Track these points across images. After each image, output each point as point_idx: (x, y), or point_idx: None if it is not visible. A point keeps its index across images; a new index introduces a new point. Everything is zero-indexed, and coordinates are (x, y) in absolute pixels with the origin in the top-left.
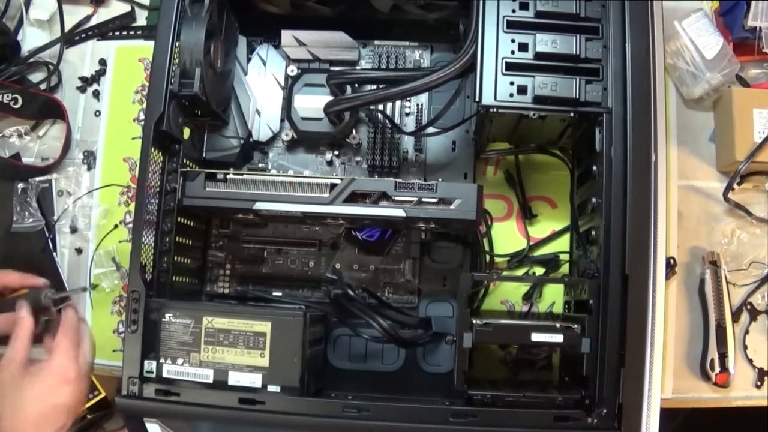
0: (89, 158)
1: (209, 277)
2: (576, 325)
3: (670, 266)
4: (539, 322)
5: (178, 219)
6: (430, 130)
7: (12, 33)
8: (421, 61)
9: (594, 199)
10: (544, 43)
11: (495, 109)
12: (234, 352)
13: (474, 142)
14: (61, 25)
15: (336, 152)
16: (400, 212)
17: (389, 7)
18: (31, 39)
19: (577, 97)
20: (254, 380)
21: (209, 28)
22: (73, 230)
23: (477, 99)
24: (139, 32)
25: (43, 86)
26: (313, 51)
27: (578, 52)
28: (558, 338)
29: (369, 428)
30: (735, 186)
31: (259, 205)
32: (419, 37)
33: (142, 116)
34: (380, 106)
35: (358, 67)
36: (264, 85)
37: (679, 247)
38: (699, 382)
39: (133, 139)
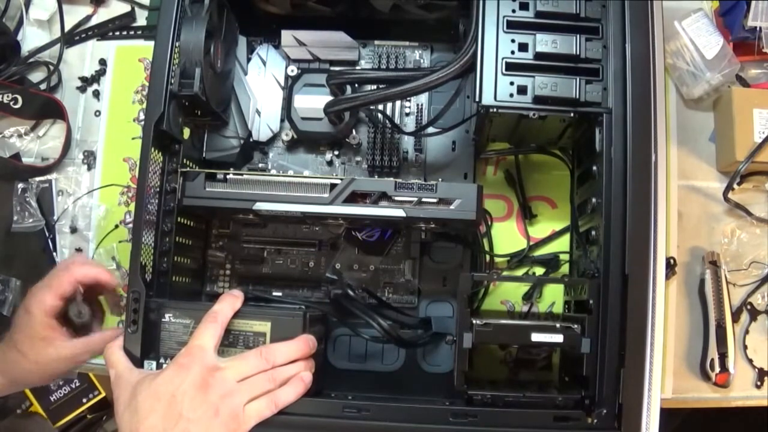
0: (89, 158)
1: (209, 277)
2: (576, 325)
3: (670, 266)
4: (539, 322)
5: (178, 219)
6: (430, 130)
7: (12, 33)
8: (421, 61)
9: (594, 199)
10: (544, 43)
11: (495, 109)
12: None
13: (474, 142)
14: (61, 25)
15: (336, 152)
16: (400, 212)
17: (389, 7)
18: (31, 39)
19: (577, 97)
20: None
21: (209, 28)
22: (73, 230)
23: (477, 99)
24: (139, 32)
25: (43, 86)
26: (313, 51)
27: (578, 52)
28: (558, 338)
29: (369, 428)
30: (735, 186)
31: (259, 205)
32: (419, 37)
33: (142, 116)
34: (380, 106)
35: (358, 67)
36: (264, 85)
37: (679, 247)
38: (699, 382)
39: (133, 139)
